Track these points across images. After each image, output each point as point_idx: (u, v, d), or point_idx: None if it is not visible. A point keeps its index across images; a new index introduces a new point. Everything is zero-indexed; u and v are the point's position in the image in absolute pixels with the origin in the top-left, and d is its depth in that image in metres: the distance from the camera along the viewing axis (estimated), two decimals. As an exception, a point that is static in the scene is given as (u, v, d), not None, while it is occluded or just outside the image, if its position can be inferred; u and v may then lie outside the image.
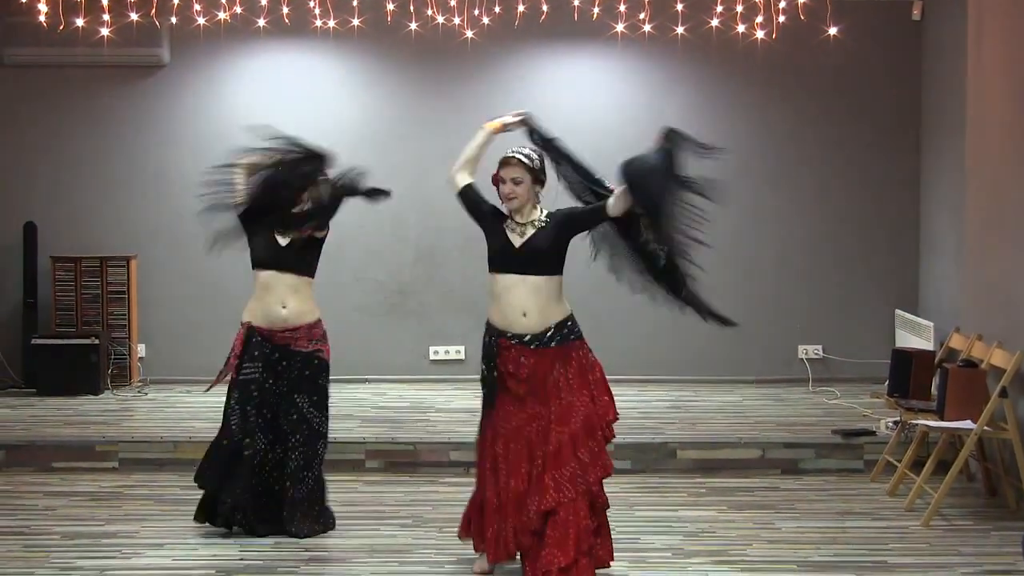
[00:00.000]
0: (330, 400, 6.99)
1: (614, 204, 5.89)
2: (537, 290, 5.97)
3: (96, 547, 6.67)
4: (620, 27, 9.88)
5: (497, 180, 6.10)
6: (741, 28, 9.85)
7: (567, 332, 6.05)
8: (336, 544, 6.74)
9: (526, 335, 5.98)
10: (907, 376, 7.99)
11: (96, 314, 10.34)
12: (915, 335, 9.52)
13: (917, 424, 7.55)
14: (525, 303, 5.97)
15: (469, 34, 9.97)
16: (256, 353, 6.83)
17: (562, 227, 6.03)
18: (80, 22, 9.71)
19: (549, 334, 6.00)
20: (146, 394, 10.08)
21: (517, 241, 6.01)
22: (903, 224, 10.43)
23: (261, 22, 10.01)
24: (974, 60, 8.36)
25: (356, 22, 9.97)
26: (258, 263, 6.85)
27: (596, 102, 10.56)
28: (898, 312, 10.16)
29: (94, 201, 10.59)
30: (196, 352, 10.54)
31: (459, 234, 10.41)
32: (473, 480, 6.29)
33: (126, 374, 10.37)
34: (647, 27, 9.89)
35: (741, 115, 10.53)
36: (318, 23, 10.00)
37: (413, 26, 9.88)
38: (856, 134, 10.49)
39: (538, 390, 5.99)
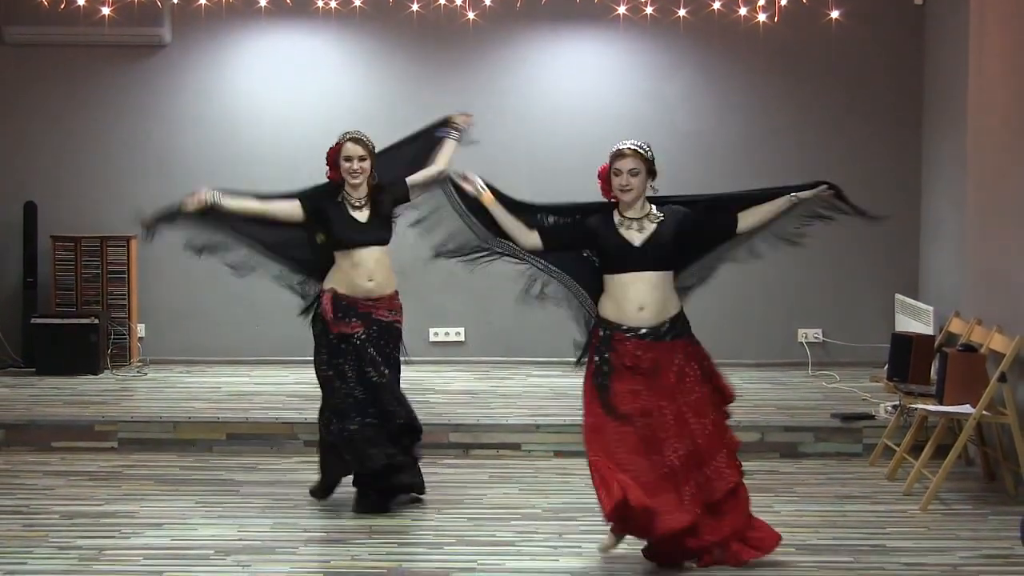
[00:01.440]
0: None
1: (751, 221, 6.20)
2: (655, 286, 6.00)
3: (95, 527, 6.67)
4: (622, 9, 9.87)
5: (607, 173, 6.07)
6: (743, 11, 9.84)
7: (681, 326, 6.12)
8: (334, 525, 6.75)
9: (641, 328, 5.98)
10: (906, 360, 7.99)
11: (96, 294, 10.33)
12: (915, 319, 9.52)
13: (916, 408, 7.56)
14: (643, 298, 5.98)
15: (471, 15, 9.96)
16: (342, 315, 6.88)
17: (682, 228, 6.07)
18: (81, 1, 9.69)
19: (665, 328, 6.03)
20: (145, 374, 10.08)
21: (636, 239, 6.00)
22: (903, 208, 10.40)
23: (262, 1, 9.99)
24: (976, 46, 8.35)
25: (358, 2, 9.95)
26: (343, 244, 6.89)
27: (597, 84, 10.54)
28: (898, 296, 10.16)
29: (95, 181, 10.58)
30: (196, 332, 10.56)
31: (459, 216, 10.40)
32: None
33: (126, 354, 10.37)
34: (649, 9, 9.89)
35: (742, 98, 10.51)
36: (320, 3, 9.99)
37: (415, 7, 9.87)
38: (857, 118, 10.47)
39: (661, 383, 6.00)
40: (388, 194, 6.99)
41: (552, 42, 10.53)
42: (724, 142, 10.50)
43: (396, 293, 7.08)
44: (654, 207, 6.10)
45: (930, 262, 10.10)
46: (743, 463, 8.15)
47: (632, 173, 6.00)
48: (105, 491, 7.38)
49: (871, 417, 8.43)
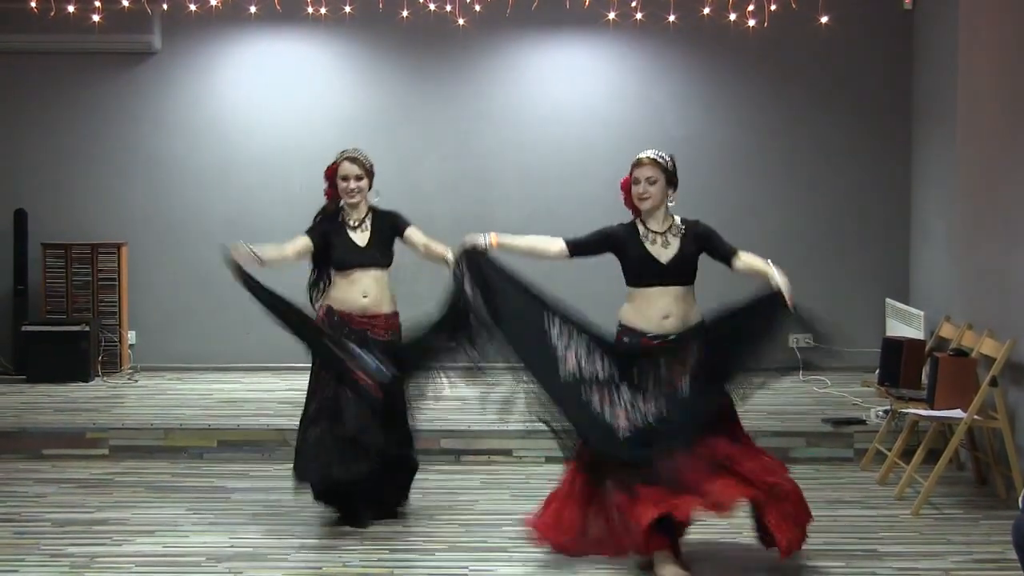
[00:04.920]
0: None
1: (742, 266, 6.21)
2: (680, 297, 6.10)
3: (87, 534, 6.67)
4: (612, 15, 9.87)
5: (628, 183, 6.16)
6: (733, 16, 9.84)
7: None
8: (326, 531, 6.74)
9: (670, 335, 6.07)
10: (897, 365, 7.99)
11: (86, 301, 10.33)
12: (905, 324, 9.52)
13: (907, 413, 7.56)
14: (669, 308, 6.07)
15: (461, 22, 9.95)
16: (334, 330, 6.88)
17: (699, 242, 6.16)
18: (71, 8, 9.67)
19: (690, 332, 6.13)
20: (136, 381, 10.07)
21: (663, 256, 6.09)
22: (894, 213, 10.43)
23: (252, 8, 9.98)
24: (965, 49, 8.36)
25: (348, 9, 9.95)
26: (343, 265, 6.91)
27: (587, 90, 10.55)
28: (888, 301, 10.16)
29: (85, 188, 10.57)
30: (186, 339, 10.56)
31: (449, 222, 10.39)
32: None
33: (116, 361, 10.36)
34: (639, 15, 9.88)
35: (732, 103, 10.53)
36: (309, 10, 9.97)
37: (405, 13, 9.86)
38: (847, 123, 10.49)
39: None
40: (388, 221, 7.04)
41: (542, 48, 10.54)
42: (714, 147, 10.50)
43: (395, 314, 7.03)
44: (678, 218, 6.18)
45: (920, 266, 10.11)
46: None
47: (650, 181, 6.07)
48: (96, 498, 7.37)
49: (862, 422, 8.44)
